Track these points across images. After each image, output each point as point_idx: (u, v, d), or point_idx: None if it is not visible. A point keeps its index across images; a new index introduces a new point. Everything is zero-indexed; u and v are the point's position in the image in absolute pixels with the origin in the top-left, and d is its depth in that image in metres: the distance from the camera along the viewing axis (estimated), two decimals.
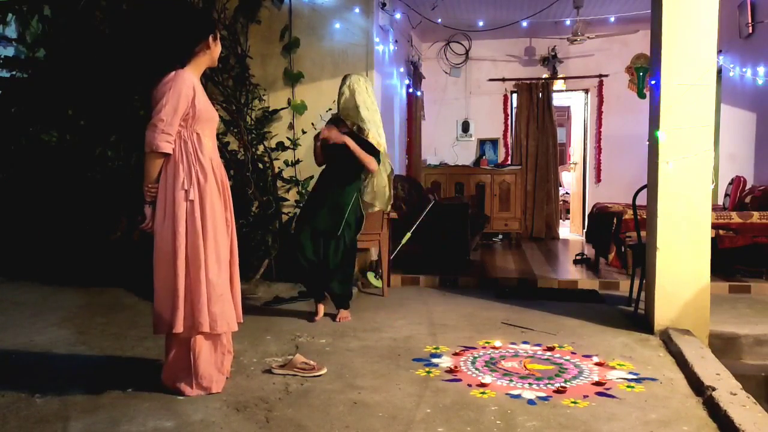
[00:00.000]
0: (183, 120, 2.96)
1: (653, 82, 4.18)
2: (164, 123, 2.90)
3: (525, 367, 3.49)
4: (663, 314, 4.11)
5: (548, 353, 3.74)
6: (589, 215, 7.94)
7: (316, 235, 4.44)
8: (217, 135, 5.81)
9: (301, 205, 4.91)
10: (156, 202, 2.98)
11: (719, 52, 4.96)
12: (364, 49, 5.99)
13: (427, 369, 3.42)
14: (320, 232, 4.43)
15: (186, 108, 2.94)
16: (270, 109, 6.00)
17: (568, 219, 10.47)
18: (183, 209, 2.94)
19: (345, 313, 4.51)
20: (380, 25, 6.36)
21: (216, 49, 3.12)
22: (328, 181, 4.49)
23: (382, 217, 5.16)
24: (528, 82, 9.29)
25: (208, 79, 5.74)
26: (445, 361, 3.55)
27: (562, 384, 3.17)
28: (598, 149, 9.35)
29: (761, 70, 6.71)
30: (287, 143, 5.97)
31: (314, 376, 3.28)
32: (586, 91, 9.43)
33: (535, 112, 9.26)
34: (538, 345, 3.89)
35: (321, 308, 4.56)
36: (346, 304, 4.56)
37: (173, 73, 2.97)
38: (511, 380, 3.26)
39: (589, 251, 7.10)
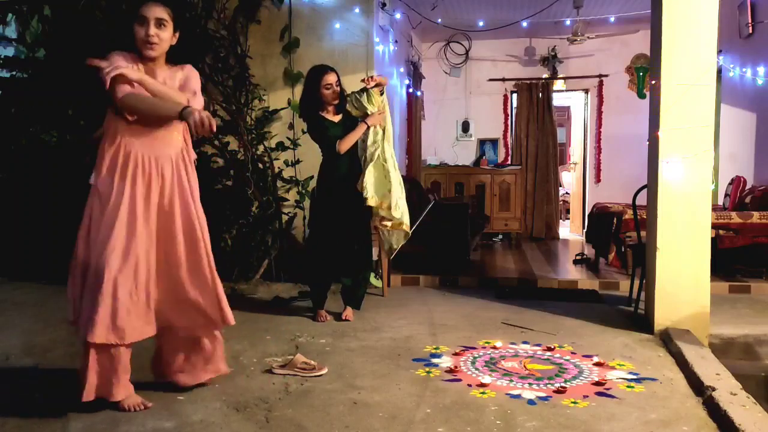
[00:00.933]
0: None
1: (653, 82, 4.18)
2: (105, 71, 2.78)
3: (525, 367, 3.49)
4: (663, 314, 4.11)
5: (548, 353, 3.74)
6: (589, 215, 7.95)
7: (339, 233, 4.44)
8: (217, 135, 5.86)
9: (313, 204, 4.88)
10: None
11: (719, 52, 4.96)
12: (364, 49, 5.99)
13: (427, 369, 3.42)
14: (344, 230, 4.44)
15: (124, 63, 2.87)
16: (270, 109, 6.00)
17: (568, 219, 10.47)
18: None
19: (351, 312, 4.52)
20: (380, 25, 6.36)
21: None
22: (346, 171, 4.48)
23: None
24: (528, 82, 9.29)
25: (208, 78, 5.75)
26: (445, 361, 3.55)
27: (562, 384, 3.17)
28: (598, 149, 9.35)
29: (761, 70, 6.71)
30: (287, 143, 5.96)
31: (315, 376, 3.28)
32: (586, 91, 9.43)
33: (535, 112, 9.26)
34: (538, 345, 3.89)
35: (325, 313, 4.56)
36: (360, 304, 4.64)
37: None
38: (511, 380, 3.26)
39: (589, 251, 7.10)
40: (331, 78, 4.38)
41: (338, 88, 4.43)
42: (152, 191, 2.83)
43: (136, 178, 2.78)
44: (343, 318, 4.46)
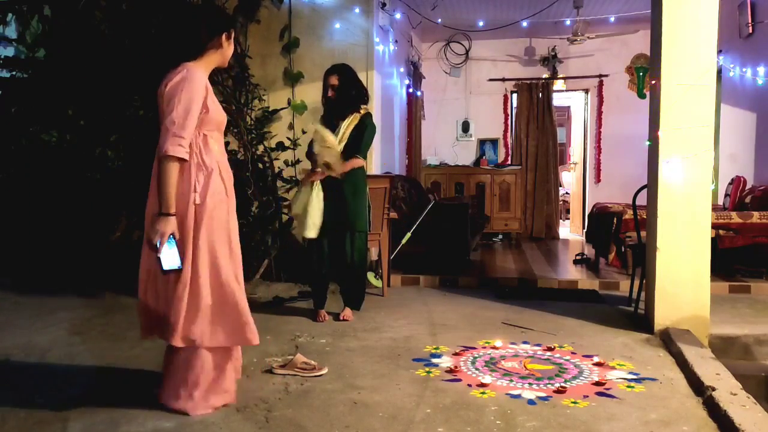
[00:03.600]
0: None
1: (653, 82, 4.18)
2: (175, 126, 2.67)
3: (525, 367, 3.49)
4: (663, 314, 4.11)
5: (548, 353, 3.74)
6: (589, 215, 7.94)
7: (330, 233, 4.43)
8: None
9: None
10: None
11: (719, 52, 4.96)
12: (364, 49, 5.99)
13: (427, 369, 3.42)
14: (332, 228, 4.42)
15: (199, 109, 2.75)
16: (270, 109, 6.00)
17: (568, 219, 10.47)
18: (191, 215, 2.76)
19: (350, 313, 4.52)
20: (380, 25, 6.36)
21: (229, 48, 2.95)
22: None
23: (382, 217, 5.16)
24: (528, 82, 9.29)
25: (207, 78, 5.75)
26: (445, 361, 3.55)
27: (562, 384, 3.17)
28: (598, 149, 9.35)
29: (761, 70, 6.71)
30: (287, 143, 5.97)
31: (315, 376, 3.28)
32: (586, 91, 9.43)
33: (535, 112, 9.26)
34: (538, 345, 3.89)
35: (324, 313, 4.56)
36: (359, 305, 4.63)
37: (184, 68, 2.77)
38: (511, 380, 3.26)
39: (589, 251, 7.10)
40: (330, 80, 4.41)
41: (336, 91, 4.40)
42: None
43: None
44: (341, 318, 4.46)
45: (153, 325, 2.89)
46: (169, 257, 2.69)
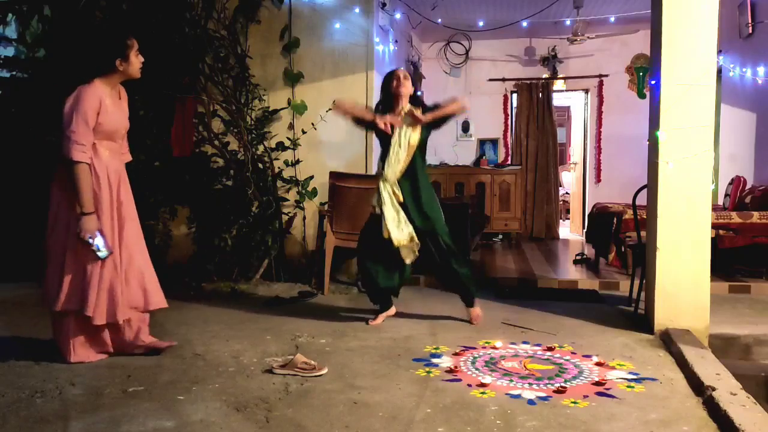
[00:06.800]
0: None
1: (653, 82, 4.18)
2: (76, 134, 3.25)
3: (525, 367, 3.49)
4: (663, 314, 4.11)
5: (548, 353, 3.74)
6: (589, 215, 7.95)
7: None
8: (217, 135, 5.86)
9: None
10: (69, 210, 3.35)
11: (719, 52, 4.97)
12: (364, 49, 5.99)
13: (427, 369, 3.42)
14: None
15: (94, 120, 3.29)
16: (270, 109, 6.00)
17: (568, 219, 10.47)
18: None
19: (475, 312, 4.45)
20: (380, 25, 6.36)
21: (131, 66, 3.44)
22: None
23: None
24: (528, 82, 9.29)
25: (207, 78, 5.75)
26: (445, 361, 3.55)
27: (562, 384, 3.17)
28: (598, 149, 9.35)
29: (761, 70, 6.71)
30: (287, 143, 5.97)
31: (315, 376, 3.28)
32: (586, 91, 9.43)
33: (535, 112, 9.26)
34: (538, 345, 3.89)
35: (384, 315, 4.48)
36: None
37: (77, 90, 3.33)
38: (511, 380, 3.26)
39: (589, 251, 7.10)
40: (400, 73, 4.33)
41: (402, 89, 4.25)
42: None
43: None
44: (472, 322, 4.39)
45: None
46: (101, 247, 3.29)
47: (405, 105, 4.24)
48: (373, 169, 6.03)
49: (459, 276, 4.34)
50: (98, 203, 3.34)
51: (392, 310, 4.56)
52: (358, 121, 4.34)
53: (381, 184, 4.18)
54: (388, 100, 4.29)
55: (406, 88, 4.23)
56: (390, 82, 4.27)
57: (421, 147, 4.26)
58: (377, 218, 4.20)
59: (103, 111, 3.33)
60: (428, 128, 4.26)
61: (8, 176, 5.76)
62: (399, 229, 4.14)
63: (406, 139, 4.18)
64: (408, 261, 4.26)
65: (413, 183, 4.23)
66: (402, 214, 4.17)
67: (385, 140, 4.23)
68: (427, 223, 4.23)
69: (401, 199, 4.18)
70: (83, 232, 3.25)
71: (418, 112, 4.20)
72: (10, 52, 6.17)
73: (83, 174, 3.27)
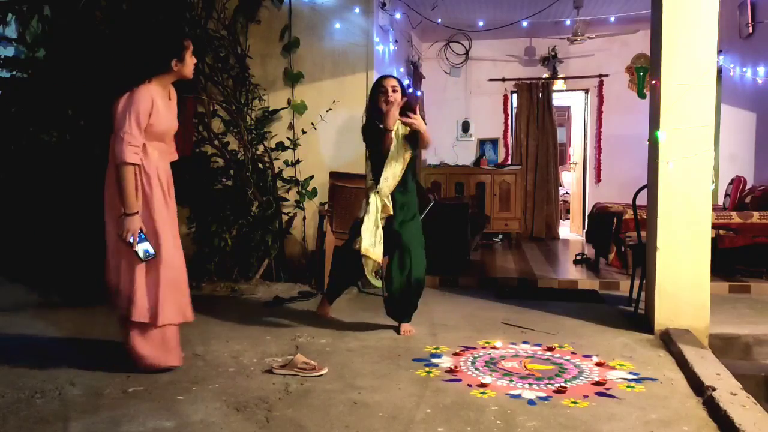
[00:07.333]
0: None
1: (653, 82, 4.18)
2: (130, 135, 3.17)
3: (525, 367, 3.49)
4: (663, 314, 4.11)
5: (548, 353, 3.74)
6: (589, 215, 7.95)
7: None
8: (217, 135, 5.86)
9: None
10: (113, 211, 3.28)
11: (719, 52, 4.96)
12: (364, 49, 5.98)
13: (427, 369, 3.42)
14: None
15: (146, 122, 3.22)
16: (270, 109, 5.99)
17: (568, 219, 10.47)
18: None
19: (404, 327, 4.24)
20: (380, 25, 6.36)
21: (185, 67, 3.37)
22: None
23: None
24: (528, 82, 9.29)
25: (207, 78, 5.75)
26: (445, 361, 3.55)
27: (562, 384, 3.17)
28: (598, 149, 9.35)
29: (761, 70, 6.70)
30: (287, 143, 5.97)
31: (315, 376, 3.28)
32: (586, 91, 9.43)
33: (535, 112, 9.26)
34: (538, 345, 3.89)
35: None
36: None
37: (130, 91, 3.25)
38: (511, 380, 3.26)
39: (589, 251, 7.10)
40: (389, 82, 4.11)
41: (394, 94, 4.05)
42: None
43: None
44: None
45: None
46: (144, 250, 3.19)
47: (395, 117, 3.99)
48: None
49: (410, 292, 4.12)
50: (150, 203, 3.27)
51: (330, 309, 4.49)
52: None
53: (373, 196, 4.04)
54: (377, 110, 4.07)
55: (395, 101, 3.97)
56: (377, 95, 4.06)
57: (412, 161, 4.16)
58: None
59: (155, 112, 3.25)
60: (414, 146, 4.12)
61: (8, 176, 5.76)
62: (371, 243, 3.99)
63: (402, 152, 4.06)
64: (367, 273, 4.07)
65: (403, 196, 4.13)
66: (380, 231, 4.02)
67: (378, 153, 4.07)
68: (406, 234, 4.09)
69: (391, 212, 4.07)
70: (125, 233, 3.17)
71: (417, 119, 3.98)
72: (10, 52, 6.16)
73: (130, 175, 3.19)
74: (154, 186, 3.29)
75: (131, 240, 3.17)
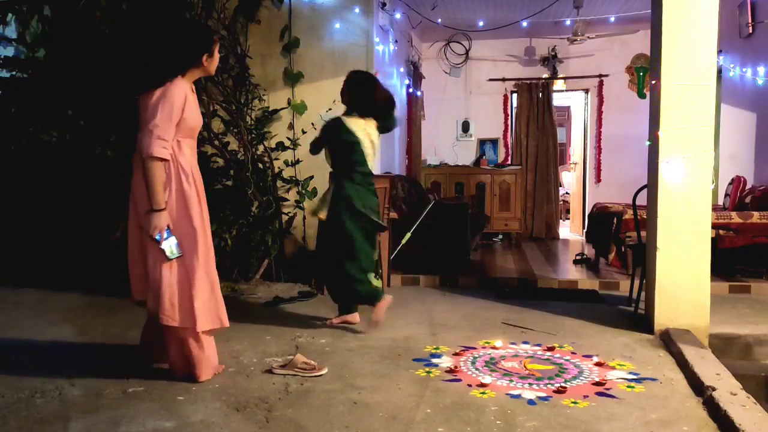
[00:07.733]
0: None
1: (653, 82, 4.18)
2: (159, 129, 3.03)
3: (525, 367, 3.49)
4: (663, 314, 4.11)
5: (548, 353, 3.74)
6: (589, 215, 7.94)
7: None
8: (217, 135, 5.86)
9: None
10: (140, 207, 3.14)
11: (719, 52, 4.96)
12: (364, 49, 5.99)
13: (427, 369, 3.42)
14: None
15: (179, 116, 3.10)
16: (270, 109, 6.00)
17: (568, 219, 10.47)
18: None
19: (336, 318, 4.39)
20: (380, 25, 6.36)
21: (212, 63, 3.30)
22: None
23: (381, 217, 5.15)
24: (528, 82, 9.29)
25: (207, 78, 5.74)
26: (445, 361, 3.55)
27: (562, 384, 3.17)
28: (598, 149, 9.35)
29: (761, 70, 6.70)
30: (287, 143, 5.97)
31: (315, 376, 3.28)
32: (586, 91, 9.43)
33: (535, 112, 9.26)
34: (538, 345, 3.89)
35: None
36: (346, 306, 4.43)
37: (164, 85, 3.12)
38: (511, 380, 3.26)
39: (589, 251, 7.10)
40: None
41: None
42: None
43: None
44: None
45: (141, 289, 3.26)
46: (170, 247, 3.07)
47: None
48: (374, 169, 6.02)
49: (345, 278, 4.18)
50: (187, 201, 3.15)
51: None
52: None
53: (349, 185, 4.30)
54: (366, 106, 4.19)
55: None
56: (373, 89, 4.20)
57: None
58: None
59: (188, 106, 3.16)
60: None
61: (8, 176, 5.76)
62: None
63: (372, 139, 4.28)
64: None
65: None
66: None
67: (345, 147, 4.26)
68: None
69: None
70: (152, 229, 3.04)
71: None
72: (10, 52, 6.17)
73: (159, 170, 3.06)
74: (190, 183, 3.19)
75: (158, 237, 3.04)
